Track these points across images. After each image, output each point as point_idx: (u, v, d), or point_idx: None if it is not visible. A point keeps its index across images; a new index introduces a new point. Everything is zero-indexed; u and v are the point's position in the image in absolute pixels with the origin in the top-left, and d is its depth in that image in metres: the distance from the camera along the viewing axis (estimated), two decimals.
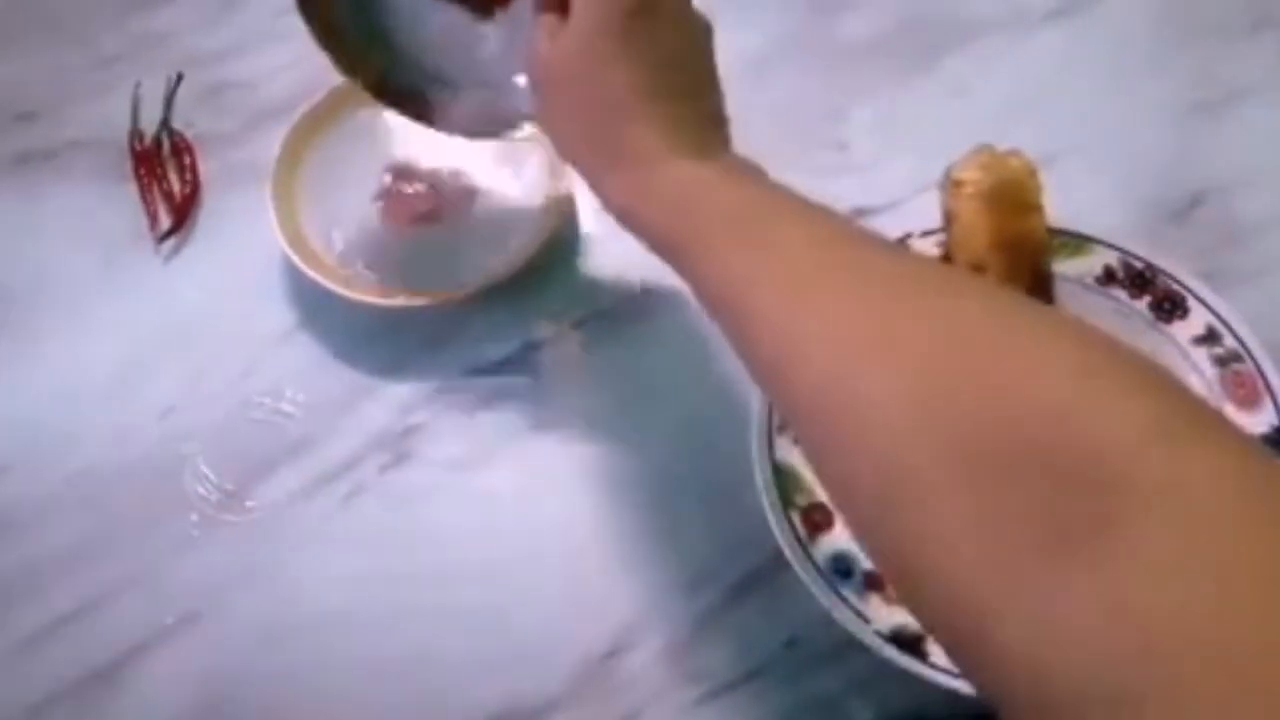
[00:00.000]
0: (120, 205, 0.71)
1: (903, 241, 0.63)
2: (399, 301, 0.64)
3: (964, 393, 0.35)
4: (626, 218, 0.47)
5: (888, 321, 0.38)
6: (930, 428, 0.35)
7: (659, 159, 0.45)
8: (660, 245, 0.45)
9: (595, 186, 0.48)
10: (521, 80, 0.52)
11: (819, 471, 0.41)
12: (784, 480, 0.57)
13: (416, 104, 0.59)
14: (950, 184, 0.63)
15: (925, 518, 0.34)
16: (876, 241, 0.44)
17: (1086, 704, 0.29)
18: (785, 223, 0.43)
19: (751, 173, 0.46)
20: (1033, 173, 0.62)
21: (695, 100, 0.47)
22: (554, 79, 0.47)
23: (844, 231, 0.43)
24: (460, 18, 0.56)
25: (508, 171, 0.69)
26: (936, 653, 0.53)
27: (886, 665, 0.53)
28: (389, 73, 0.58)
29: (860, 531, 0.39)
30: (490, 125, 0.59)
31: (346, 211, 0.68)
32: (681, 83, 0.46)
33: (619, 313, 0.66)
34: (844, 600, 0.54)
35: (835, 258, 0.41)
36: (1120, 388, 0.33)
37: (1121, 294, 0.61)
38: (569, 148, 0.49)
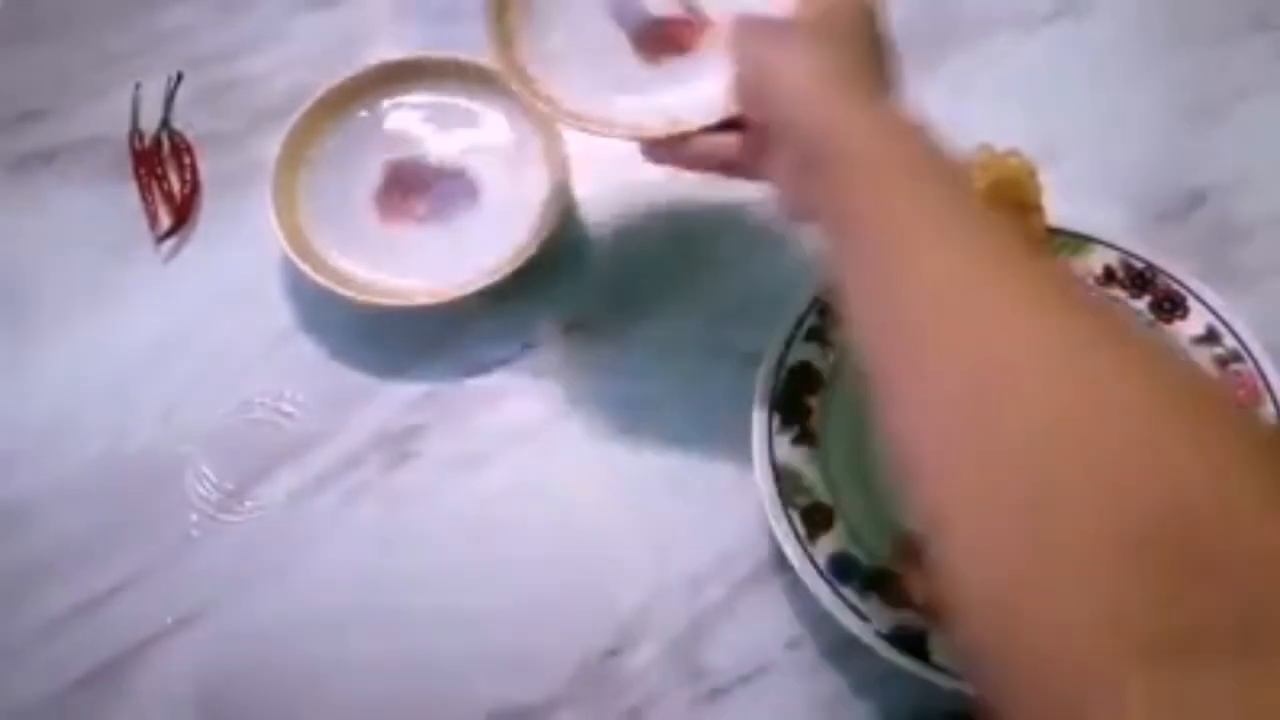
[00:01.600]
0: (120, 205, 0.71)
1: None
2: (399, 301, 0.64)
3: (1126, 472, 0.32)
4: (875, 144, 0.46)
5: (1062, 347, 0.35)
6: (1083, 496, 0.32)
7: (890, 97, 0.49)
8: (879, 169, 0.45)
9: (836, 113, 0.47)
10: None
11: (908, 419, 0.38)
12: (784, 480, 0.57)
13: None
14: None
15: (1054, 602, 0.32)
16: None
17: None
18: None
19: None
20: (1032, 173, 0.62)
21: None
22: (820, 20, 0.50)
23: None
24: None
25: (508, 172, 0.69)
26: (937, 653, 0.53)
27: (887, 665, 0.53)
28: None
29: (958, 561, 0.35)
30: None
31: (346, 211, 0.68)
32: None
33: (618, 314, 0.66)
34: (844, 600, 0.54)
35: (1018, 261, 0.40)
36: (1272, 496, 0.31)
37: (1121, 294, 0.61)
38: (823, 75, 0.48)
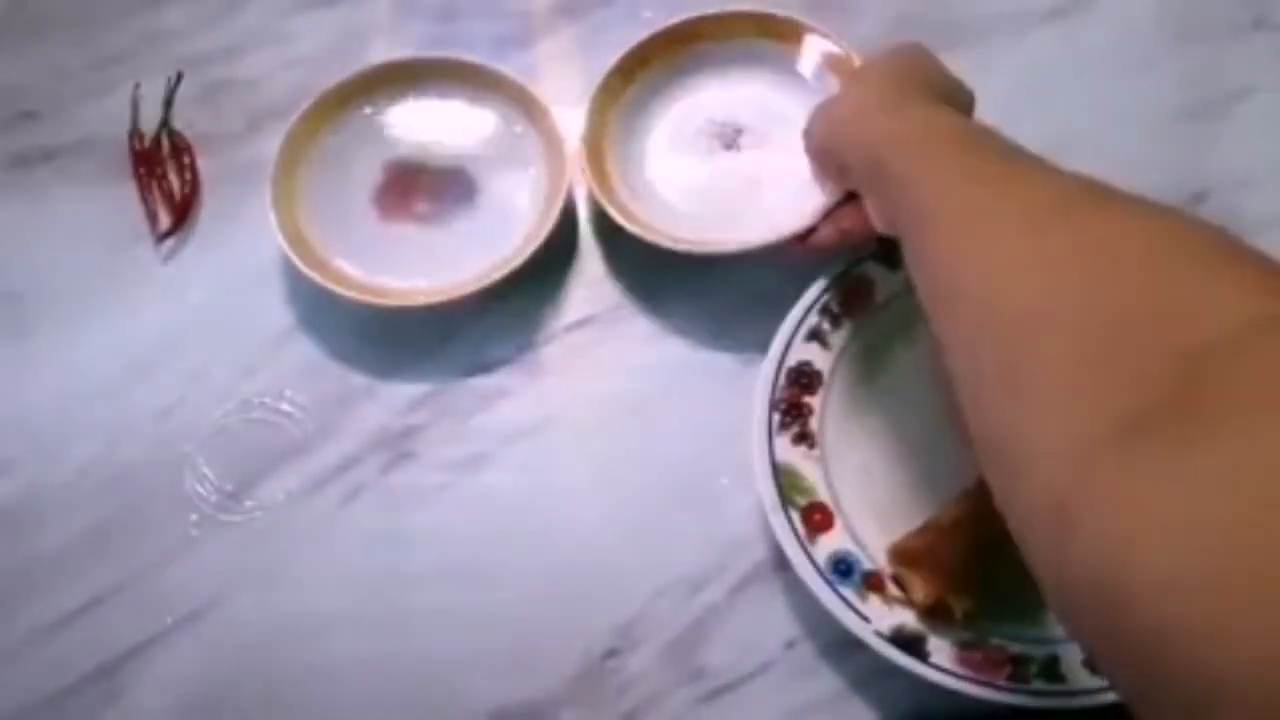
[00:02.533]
0: (120, 205, 0.71)
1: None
2: (399, 301, 0.64)
3: (1110, 301, 0.37)
4: (885, 140, 0.52)
5: (1047, 244, 0.41)
6: (1063, 327, 0.37)
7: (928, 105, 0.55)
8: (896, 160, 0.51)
9: (879, 127, 0.54)
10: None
11: (953, 359, 0.42)
12: (784, 480, 0.57)
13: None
14: None
15: (1028, 394, 0.36)
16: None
17: (1162, 597, 0.29)
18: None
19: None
20: None
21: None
22: (865, 67, 0.63)
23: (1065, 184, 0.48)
24: None
25: (508, 172, 0.69)
26: (936, 653, 0.53)
27: (886, 665, 0.53)
28: None
29: (975, 425, 0.40)
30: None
31: (346, 211, 0.68)
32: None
33: (617, 314, 0.66)
34: (844, 600, 0.54)
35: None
36: (1235, 280, 0.35)
37: None
38: (865, 102, 0.57)
